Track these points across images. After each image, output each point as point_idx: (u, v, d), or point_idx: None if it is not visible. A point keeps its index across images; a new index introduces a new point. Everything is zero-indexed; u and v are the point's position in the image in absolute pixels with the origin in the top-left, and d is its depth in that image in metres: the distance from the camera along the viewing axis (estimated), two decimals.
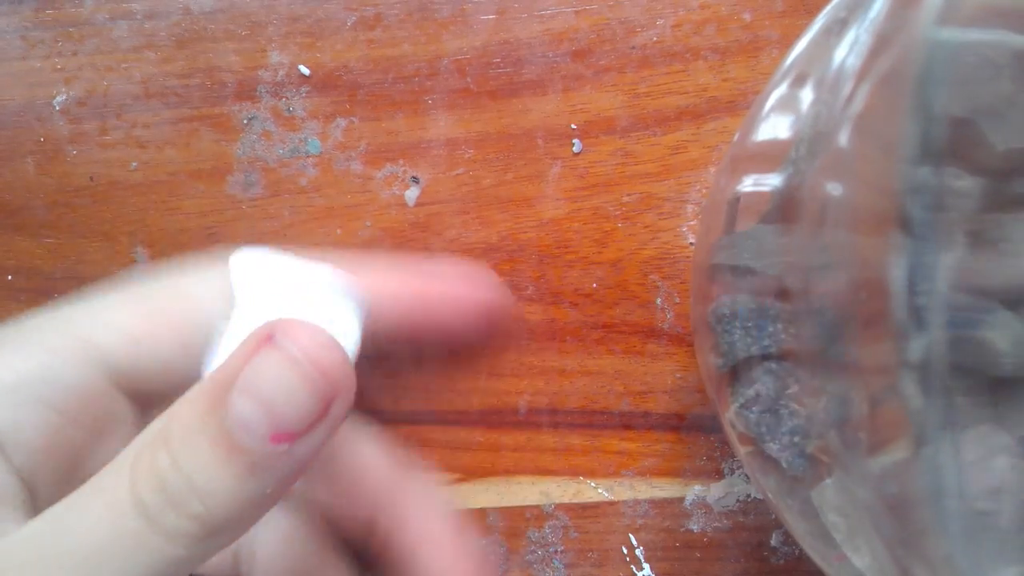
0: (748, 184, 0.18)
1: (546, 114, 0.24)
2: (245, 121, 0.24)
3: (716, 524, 0.24)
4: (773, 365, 0.16)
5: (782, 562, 0.24)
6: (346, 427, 0.21)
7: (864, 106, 0.13)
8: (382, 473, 0.21)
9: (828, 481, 0.15)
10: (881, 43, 0.13)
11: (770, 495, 0.17)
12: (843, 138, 0.13)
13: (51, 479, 0.17)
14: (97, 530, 0.14)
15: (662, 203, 0.24)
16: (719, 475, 0.24)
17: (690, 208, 0.24)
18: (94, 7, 0.25)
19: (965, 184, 0.14)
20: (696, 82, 0.24)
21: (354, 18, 0.24)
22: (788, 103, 0.16)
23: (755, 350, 0.16)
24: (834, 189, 0.14)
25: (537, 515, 0.24)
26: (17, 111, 0.25)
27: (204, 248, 0.25)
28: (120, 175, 0.25)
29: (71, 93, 0.25)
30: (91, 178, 0.25)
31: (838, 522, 0.15)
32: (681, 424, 0.24)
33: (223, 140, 0.25)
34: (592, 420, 0.24)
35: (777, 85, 0.17)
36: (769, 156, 0.17)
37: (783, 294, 0.16)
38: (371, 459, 0.21)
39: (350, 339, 0.18)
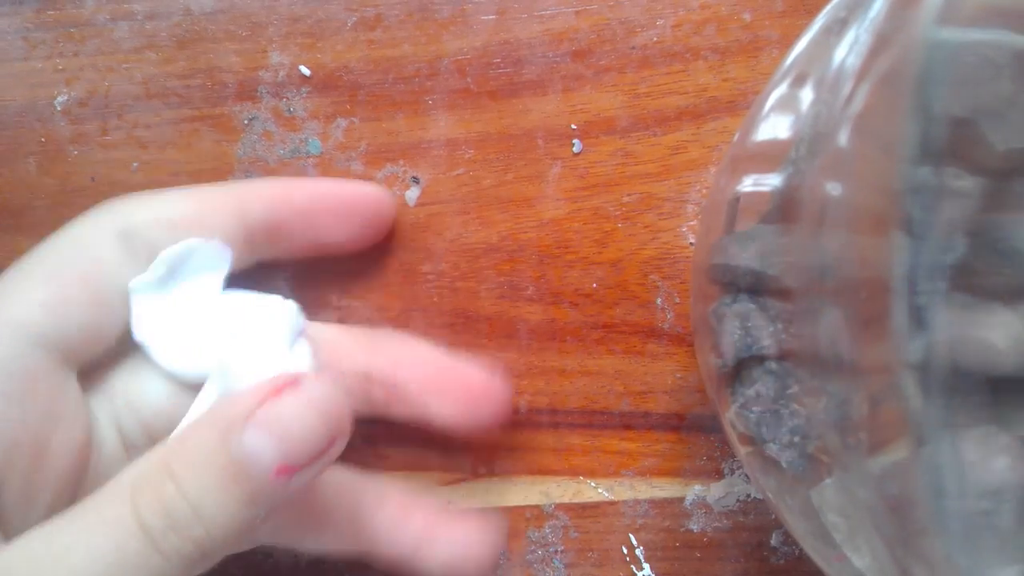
0: (748, 184, 0.18)
1: (546, 114, 0.24)
2: (246, 121, 0.25)
3: (716, 524, 0.24)
4: (773, 365, 0.16)
5: (782, 562, 0.24)
6: None
7: (864, 106, 0.13)
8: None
9: (828, 481, 0.15)
10: (881, 43, 0.13)
11: (770, 495, 0.17)
12: (843, 138, 0.13)
13: (17, 470, 0.18)
14: (98, 550, 0.15)
15: (662, 203, 0.24)
16: (719, 475, 0.24)
17: (690, 208, 0.24)
18: (95, 8, 0.25)
19: (965, 184, 0.14)
20: (696, 82, 0.24)
21: (354, 19, 0.24)
22: (788, 103, 0.16)
23: (755, 350, 0.16)
24: (834, 189, 0.14)
25: (537, 515, 0.24)
26: (18, 112, 0.25)
27: None
28: (121, 176, 0.25)
29: (72, 94, 0.25)
30: (92, 179, 0.25)
31: (838, 522, 0.15)
32: (681, 424, 0.24)
33: (224, 140, 0.25)
34: (592, 420, 0.24)
35: (777, 85, 0.17)
36: (769, 156, 0.17)
37: (783, 294, 0.16)
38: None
39: (307, 364, 0.20)
